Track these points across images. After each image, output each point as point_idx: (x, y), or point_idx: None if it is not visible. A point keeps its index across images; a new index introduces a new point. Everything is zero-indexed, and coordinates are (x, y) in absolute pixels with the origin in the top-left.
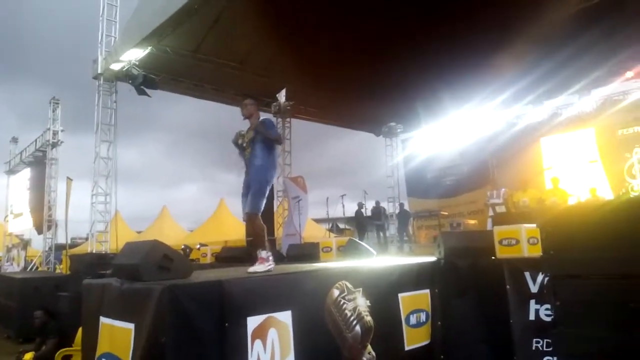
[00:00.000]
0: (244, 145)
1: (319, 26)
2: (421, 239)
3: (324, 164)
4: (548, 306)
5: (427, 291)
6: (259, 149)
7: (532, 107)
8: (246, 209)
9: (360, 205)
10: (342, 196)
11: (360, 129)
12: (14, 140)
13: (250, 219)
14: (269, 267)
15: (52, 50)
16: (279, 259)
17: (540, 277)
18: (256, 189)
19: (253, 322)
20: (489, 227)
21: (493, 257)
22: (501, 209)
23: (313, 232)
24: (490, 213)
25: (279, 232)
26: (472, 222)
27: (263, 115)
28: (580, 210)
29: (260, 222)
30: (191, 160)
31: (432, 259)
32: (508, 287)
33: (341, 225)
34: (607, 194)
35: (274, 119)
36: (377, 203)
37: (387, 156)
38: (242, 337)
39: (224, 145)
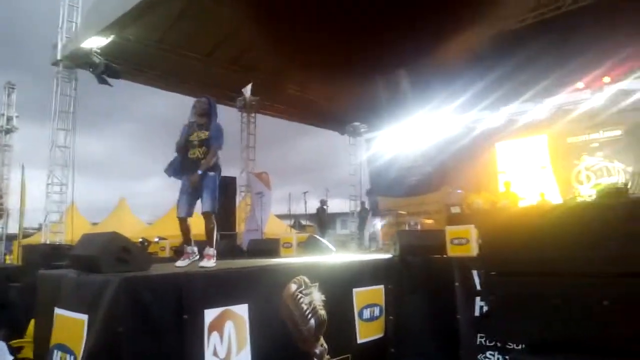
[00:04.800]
0: (195, 142)
1: (285, 22)
2: (381, 236)
3: (288, 160)
4: None
5: (382, 287)
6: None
7: (489, 112)
8: (208, 208)
9: (323, 202)
10: (305, 193)
11: (325, 127)
12: None
13: (207, 217)
14: (214, 264)
15: (10, 33)
16: (239, 253)
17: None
18: (212, 188)
19: (210, 314)
20: None
21: (444, 255)
22: (455, 210)
23: (275, 229)
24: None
25: (240, 227)
26: (428, 221)
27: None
28: (513, 213)
29: (214, 220)
30: (155, 153)
31: (387, 256)
32: (456, 284)
33: (303, 222)
34: (555, 198)
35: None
36: (321, 203)
37: (350, 155)
38: (199, 329)
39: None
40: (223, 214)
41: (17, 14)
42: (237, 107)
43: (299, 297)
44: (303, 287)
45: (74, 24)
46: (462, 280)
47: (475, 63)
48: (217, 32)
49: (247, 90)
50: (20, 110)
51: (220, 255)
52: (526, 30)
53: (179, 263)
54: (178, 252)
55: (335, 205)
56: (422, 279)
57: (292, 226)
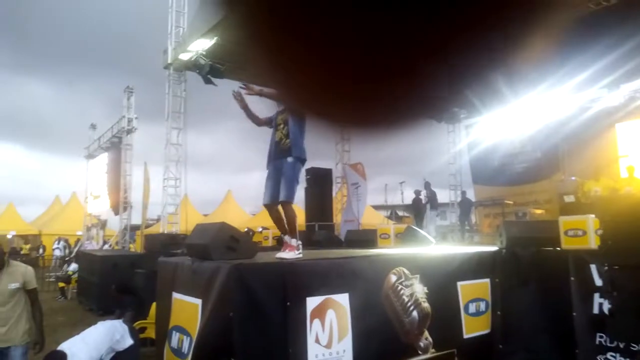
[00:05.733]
0: (279, 125)
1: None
2: (484, 227)
3: (382, 151)
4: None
5: (487, 280)
6: (294, 131)
7: (607, 91)
8: (283, 197)
9: (418, 193)
10: (401, 183)
11: None
12: (93, 126)
13: (284, 206)
14: (299, 256)
15: (127, 43)
16: (337, 243)
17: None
18: (290, 176)
19: (312, 302)
20: None
21: (558, 248)
22: (569, 199)
23: (371, 219)
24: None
25: (337, 218)
26: (538, 211)
27: None
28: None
29: (293, 211)
30: (257, 147)
31: (493, 248)
32: (572, 278)
33: (400, 213)
34: None
35: None
36: (416, 193)
37: (449, 143)
38: (302, 316)
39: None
40: (320, 205)
41: (131, 25)
42: None
43: (399, 288)
44: (403, 278)
45: (181, 29)
46: (578, 275)
47: (595, 38)
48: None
49: None
50: (138, 112)
51: (319, 245)
52: None
53: (280, 254)
54: (280, 242)
55: None
56: (532, 273)
57: (389, 217)
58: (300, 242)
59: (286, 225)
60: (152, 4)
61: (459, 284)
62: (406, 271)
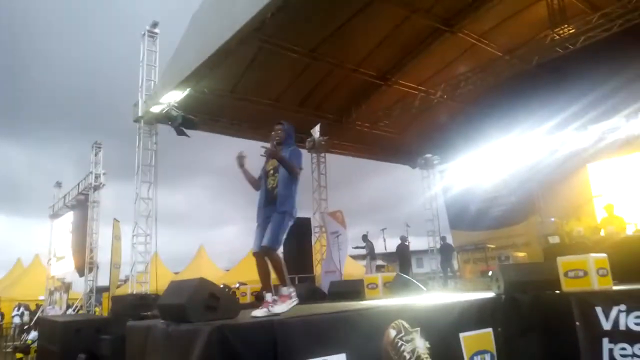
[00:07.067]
0: (269, 171)
1: (353, 60)
2: (466, 274)
3: (360, 199)
4: (623, 345)
5: (490, 330)
6: (286, 178)
7: (575, 132)
8: (265, 242)
9: (403, 239)
10: (383, 230)
11: (395, 161)
12: (58, 184)
13: (268, 253)
14: (294, 304)
15: (95, 98)
16: (321, 296)
17: (614, 313)
18: (279, 221)
19: None
20: None
21: (558, 291)
22: (554, 240)
23: (353, 270)
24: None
25: (317, 269)
26: (521, 254)
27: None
28: None
29: (278, 256)
30: (232, 201)
31: (492, 294)
32: (577, 323)
33: (380, 262)
34: None
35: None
36: (402, 239)
37: (424, 188)
38: None
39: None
40: (300, 256)
41: (99, 81)
42: (306, 148)
43: (399, 344)
44: (403, 332)
45: (152, 82)
46: (584, 319)
47: (565, 83)
48: (284, 76)
49: (316, 130)
50: (106, 168)
51: (300, 299)
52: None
53: (255, 313)
54: (259, 298)
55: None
56: (535, 319)
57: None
58: (293, 289)
59: (275, 274)
60: (122, 62)
61: (462, 335)
62: (406, 324)
